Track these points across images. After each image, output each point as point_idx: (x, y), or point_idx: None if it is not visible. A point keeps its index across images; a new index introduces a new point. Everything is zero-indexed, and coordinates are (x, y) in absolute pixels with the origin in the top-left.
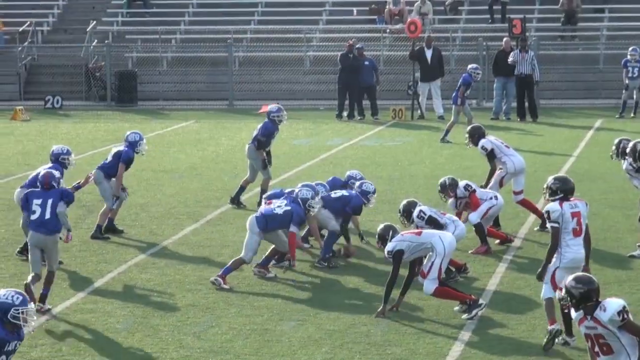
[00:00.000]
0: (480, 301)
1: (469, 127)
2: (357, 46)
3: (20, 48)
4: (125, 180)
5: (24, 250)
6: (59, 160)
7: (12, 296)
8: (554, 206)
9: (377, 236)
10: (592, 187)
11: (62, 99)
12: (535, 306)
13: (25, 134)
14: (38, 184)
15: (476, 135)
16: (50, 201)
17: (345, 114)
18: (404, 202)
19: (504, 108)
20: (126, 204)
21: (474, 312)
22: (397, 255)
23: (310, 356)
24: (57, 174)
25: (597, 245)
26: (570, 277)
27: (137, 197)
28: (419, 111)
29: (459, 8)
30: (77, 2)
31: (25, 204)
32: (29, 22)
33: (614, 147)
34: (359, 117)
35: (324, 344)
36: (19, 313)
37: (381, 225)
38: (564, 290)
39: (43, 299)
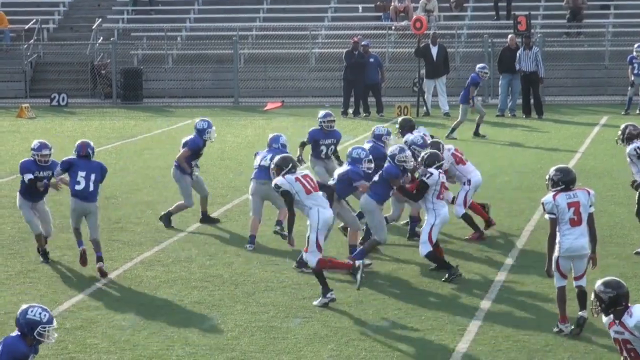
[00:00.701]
0: (357, 263)
1: (400, 119)
2: (362, 43)
3: (26, 46)
4: (131, 178)
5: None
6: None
7: (40, 313)
8: (547, 198)
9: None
10: (597, 184)
11: (68, 96)
12: (541, 302)
13: (31, 132)
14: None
15: (406, 127)
16: (93, 176)
17: (350, 110)
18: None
19: (509, 105)
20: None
21: (357, 277)
22: (284, 194)
23: (316, 353)
24: (90, 142)
25: (603, 242)
26: (600, 282)
27: (143, 195)
28: (424, 108)
29: (464, 5)
30: (82, 0)
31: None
32: (34, 20)
33: (619, 133)
34: (364, 114)
35: (330, 341)
36: (45, 331)
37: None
38: (592, 295)
39: (101, 259)
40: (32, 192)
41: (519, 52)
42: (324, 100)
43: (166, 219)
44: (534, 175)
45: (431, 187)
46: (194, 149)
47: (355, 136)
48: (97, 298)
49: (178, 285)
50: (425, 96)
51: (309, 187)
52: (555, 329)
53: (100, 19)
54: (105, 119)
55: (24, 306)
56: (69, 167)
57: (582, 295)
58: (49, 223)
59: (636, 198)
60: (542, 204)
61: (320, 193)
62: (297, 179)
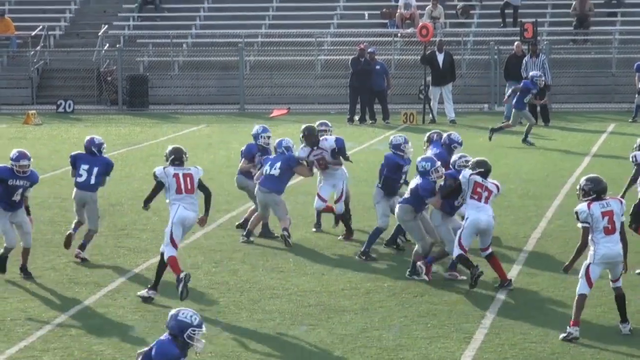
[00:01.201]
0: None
1: (303, 126)
2: (369, 50)
3: (32, 52)
4: (137, 185)
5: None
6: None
7: (191, 316)
8: (581, 207)
9: None
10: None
11: (74, 103)
12: (548, 310)
13: (38, 138)
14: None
15: (311, 137)
16: (95, 169)
17: (356, 117)
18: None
19: None
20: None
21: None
22: (158, 184)
23: None
24: (97, 139)
25: None
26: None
27: None
28: (430, 115)
29: (471, 12)
30: (88, 7)
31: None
32: (41, 27)
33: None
34: (370, 121)
35: (336, 349)
36: (194, 334)
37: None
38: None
39: (82, 247)
40: (9, 201)
41: (525, 59)
42: (329, 107)
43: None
44: (541, 182)
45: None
46: (248, 157)
47: (361, 143)
48: (103, 305)
49: None
50: (432, 103)
51: (182, 187)
52: (564, 334)
53: (106, 26)
54: (111, 125)
55: (175, 309)
56: (74, 161)
57: (620, 299)
58: (28, 233)
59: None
60: (576, 213)
61: (193, 197)
62: (175, 175)
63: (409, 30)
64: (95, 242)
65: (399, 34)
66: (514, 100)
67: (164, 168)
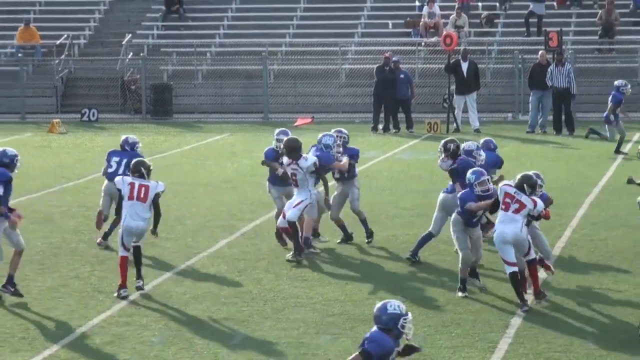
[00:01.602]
0: None
1: (286, 139)
2: (393, 59)
3: (57, 61)
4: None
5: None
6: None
7: (398, 306)
8: None
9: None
10: (631, 201)
11: (98, 111)
12: (573, 319)
13: (62, 147)
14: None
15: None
16: (124, 161)
17: (380, 126)
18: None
19: (539, 121)
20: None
21: None
22: (119, 191)
23: None
24: (131, 138)
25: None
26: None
27: (173, 210)
28: (454, 124)
29: (495, 21)
30: (113, 15)
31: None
32: (65, 35)
33: None
34: (394, 130)
35: None
36: (406, 322)
37: None
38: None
39: (105, 236)
40: None
41: (550, 68)
42: (353, 116)
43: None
44: (565, 192)
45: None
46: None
47: (385, 152)
48: (126, 314)
49: (207, 301)
50: (456, 112)
51: (134, 194)
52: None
53: (130, 35)
54: (135, 134)
55: (380, 303)
56: (108, 156)
57: None
58: (17, 235)
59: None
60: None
61: (144, 206)
62: (130, 183)
63: (433, 39)
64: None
65: (422, 43)
66: (604, 115)
67: (122, 177)
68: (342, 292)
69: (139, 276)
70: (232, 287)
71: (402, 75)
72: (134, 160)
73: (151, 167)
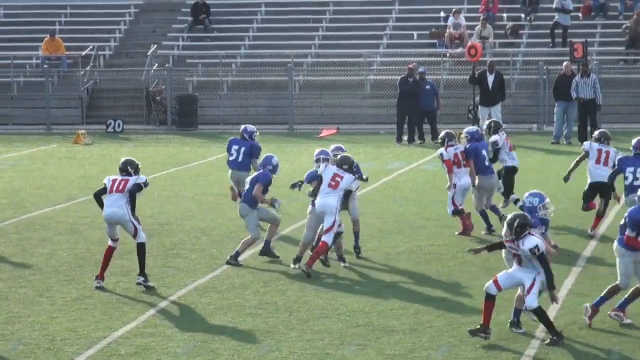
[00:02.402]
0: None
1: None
2: (419, 70)
3: (82, 72)
4: (186, 205)
5: None
6: None
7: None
8: None
9: None
10: None
11: (123, 122)
12: (597, 331)
13: (87, 158)
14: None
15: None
16: (243, 149)
17: (405, 137)
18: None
19: (564, 132)
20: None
21: None
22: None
23: None
24: (250, 127)
25: None
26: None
27: (198, 221)
28: None
29: (520, 32)
30: (138, 27)
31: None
32: (91, 47)
33: None
34: (419, 141)
35: None
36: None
37: None
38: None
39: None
40: None
41: (576, 79)
42: (378, 127)
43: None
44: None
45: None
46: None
47: (410, 163)
48: (151, 325)
49: (232, 312)
50: (480, 123)
51: (113, 187)
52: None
53: (155, 46)
54: (160, 145)
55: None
56: (229, 144)
57: None
58: None
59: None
60: None
61: (120, 196)
62: (113, 180)
63: (458, 50)
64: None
65: (447, 54)
66: None
67: (109, 177)
68: (366, 303)
69: (142, 272)
70: (257, 298)
71: (427, 87)
72: (123, 159)
73: (139, 166)
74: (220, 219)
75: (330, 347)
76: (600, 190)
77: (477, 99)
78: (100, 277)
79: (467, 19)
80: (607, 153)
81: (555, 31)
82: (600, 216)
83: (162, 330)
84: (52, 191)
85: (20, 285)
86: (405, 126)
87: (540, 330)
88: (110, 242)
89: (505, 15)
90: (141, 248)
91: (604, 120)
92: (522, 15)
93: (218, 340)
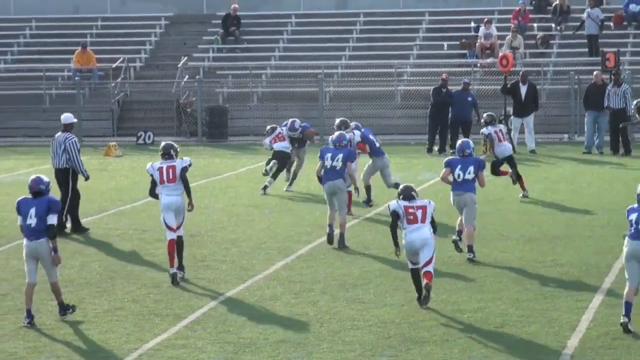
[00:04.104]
0: None
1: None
2: (464, 80)
3: (113, 84)
4: (217, 216)
5: None
6: None
7: None
8: None
9: None
10: None
11: (154, 134)
12: (630, 342)
13: (118, 170)
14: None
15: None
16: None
17: (435, 148)
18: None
19: (596, 142)
20: None
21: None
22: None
23: None
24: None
25: None
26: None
27: (228, 233)
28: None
29: (550, 42)
30: (168, 39)
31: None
32: (122, 59)
33: None
34: (450, 151)
35: None
36: None
37: None
38: None
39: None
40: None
41: (608, 88)
42: (409, 138)
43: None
44: (623, 212)
45: None
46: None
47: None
48: (182, 336)
49: (263, 323)
50: (512, 134)
51: (164, 178)
52: None
53: (186, 58)
54: (191, 156)
55: None
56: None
57: None
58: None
59: None
60: None
61: (174, 184)
62: (159, 168)
63: (489, 60)
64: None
65: (478, 64)
66: None
67: (152, 163)
68: (398, 314)
69: (180, 266)
70: (288, 309)
71: (469, 98)
72: (163, 143)
73: (178, 149)
74: (251, 230)
75: (361, 359)
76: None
77: (509, 109)
78: (172, 266)
79: (498, 29)
80: (501, 131)
81: (583, 40)
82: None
83: (193, 342)
84: (83, 203)
85: (52, 298)
86: (437, 136)
87: (573, 339)
88: (170, 236)
89: (535, 25)
90: (181, 241)
91: (636, 131)
92: (553, 25)
93: (249, 351)
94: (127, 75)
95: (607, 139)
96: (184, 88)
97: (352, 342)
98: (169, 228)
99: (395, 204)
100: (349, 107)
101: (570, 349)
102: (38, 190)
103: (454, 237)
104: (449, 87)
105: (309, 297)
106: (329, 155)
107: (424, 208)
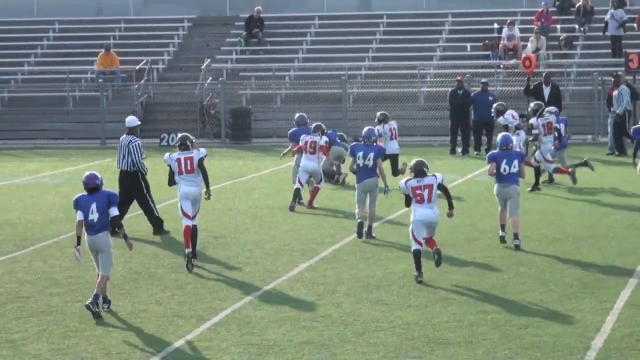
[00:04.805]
0: None
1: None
2: (482, 80)
3: (136, 86)
4: (240, 218)
5: None
6: None
7: None
8: None
9: None
10: None
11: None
12: None
13: None
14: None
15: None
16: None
17: (459, 149)
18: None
19: None
20: None
21: None
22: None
23: None
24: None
25: None
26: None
27: (251, 234)
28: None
29: (574, 43)
30: (192, 40)
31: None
32: (145, 61)
33: None
34: (475, 152)
35: None
36: None
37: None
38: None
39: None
40: None
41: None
42: (432, 139)
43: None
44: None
45: None
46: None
47: (464, 175)
48: (206, 338)
49: (287, 325)
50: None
51: (182, 168)
52: None
53: (209, 59)
54: (214, 158)
55: None
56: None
57: None
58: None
59: None
60: None
61: (193, 175)
62: (177, 159)
63: (512, 62)
64: (198, 275)
65: (501, 65)
66: None
67: (169, 154)
68: (421, 316)
69: (194, 254)
70: (312, 311)
71: (490, 98)
72: (180, 135)
73: (194, 140)
74: (275, 231)
75: None
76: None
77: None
78: (187, 246)
79: (521, 30)
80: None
81: (607, 42)
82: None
83: (217, 344)
84: None
85: (76, 300)
86: (460, 138)
87: (598, 340)
88: (187, 222)
89: (559, 26)
90: (196, 230)
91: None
92: (576, 27)
93: (272, 353)
94: (151, 77)
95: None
96: (207, 90)
97: (375, 344)
98: (186, 215)
99: (404, 186)
100: (372, 109)
101: (595, 350)
102: (94, 186)
103: (500, 233)
104: (469, 89)
105: (332, 299)
106: (360, 154)
107: (430, 187)
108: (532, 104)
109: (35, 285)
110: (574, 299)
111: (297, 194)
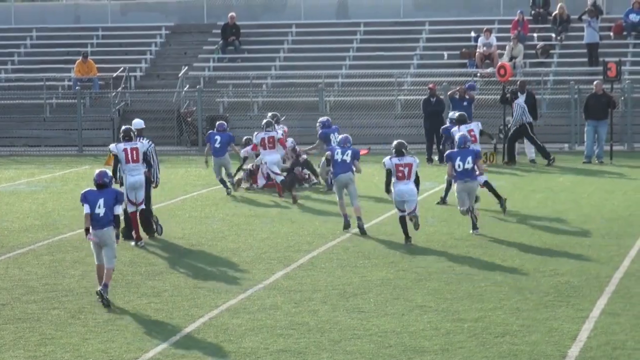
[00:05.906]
0: None
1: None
2: (467, 85)
3: (114, 94)
4: (217, 226)
5: None
6: None
7: None
8: None
9: None
10: None
11: (154, 144)
12: (631, 352)
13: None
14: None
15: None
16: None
17: (435, 157)
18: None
19: (596, 152)
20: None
21: None
22: (114, 156)
23: None
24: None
25: None
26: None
27: (228, 242)
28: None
29: (551, 51)
30: (169, 48)
31: None
32: (122, 68)
33: None
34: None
35: None
36: None
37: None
38: None
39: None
40: None
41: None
42: (410, 148)
43: None
44: (623, 222)
45: None
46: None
47: (441, 183)
48: (183, 346)
49: (263, 333)
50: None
51: (129, 158)
52: None
53: (186, 67)
54: (191, 166)
55: None
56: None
57: None
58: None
59: None
60: None
61: (139, 164)
62: (124, 149)
63: (489, 70)
64: (175, 282)
65: (478, 74)
66: None
67: (116, 144)
68: (398, 324)
69: (146, 234)
70: (289, 318)
71: (465, 103)
72: (123, 127)
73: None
74: (251, 239)
75: None
76: None
77: (508, 118)
78: (138, 239)
79: (498, 39)
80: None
81: (583, 50)
82: None
83: (194, 352)
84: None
85: (53, 307)
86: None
87: (574, 349)
88: (132, 209)
89: (535, 35)
90: (143, 212)
91: (636, 140)
92: (553, 35)
93: None
94: (128, 84)
95: (607, 148)
96: (184, 98)
97: (352, 352)
98: (132, 203)
99: (388, 161)
100: (349, 117)
101: (571, 359)
102: (102, 182)
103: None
104: (440, 96)
105: (309, 307)
106: (338, 150)
107: (410, 165)
108: (456, 114)
109: (11, 292)
110: (551, 307)
111: (223, 184)
